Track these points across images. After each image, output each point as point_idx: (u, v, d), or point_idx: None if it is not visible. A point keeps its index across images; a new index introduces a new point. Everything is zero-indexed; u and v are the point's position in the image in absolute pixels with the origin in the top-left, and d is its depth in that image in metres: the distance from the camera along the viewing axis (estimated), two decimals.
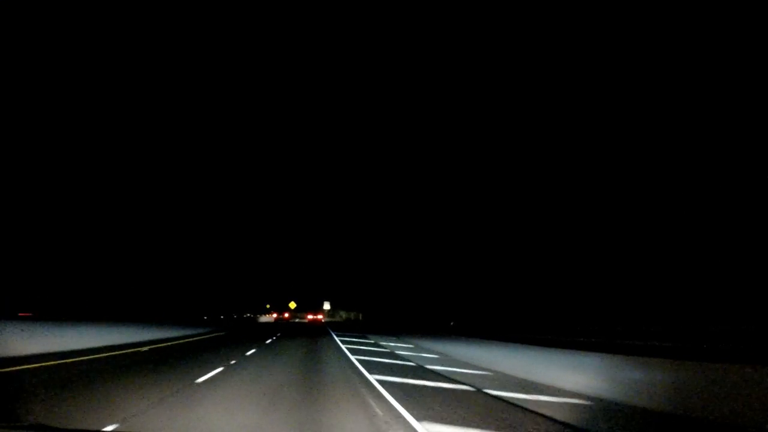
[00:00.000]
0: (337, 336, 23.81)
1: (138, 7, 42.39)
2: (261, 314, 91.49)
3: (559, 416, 6.76)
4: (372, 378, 9.89)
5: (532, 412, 7.07)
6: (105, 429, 5.36)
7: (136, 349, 14.67)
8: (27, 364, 10.00)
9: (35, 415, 5.83)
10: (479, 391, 8.91)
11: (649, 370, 7.63)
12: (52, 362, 10.61)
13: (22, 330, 12.95)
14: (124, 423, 5.61)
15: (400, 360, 14.18)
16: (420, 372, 11.46)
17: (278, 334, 25.14)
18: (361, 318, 68.49)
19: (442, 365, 13.09)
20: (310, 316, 67.73)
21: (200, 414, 6.28)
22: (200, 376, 9.28)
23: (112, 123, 41.71)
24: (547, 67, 24.18)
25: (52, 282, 33.56)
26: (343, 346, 18.06)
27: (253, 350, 16.27)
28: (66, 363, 10.76)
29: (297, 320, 71.67)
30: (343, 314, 78.44)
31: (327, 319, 78.33)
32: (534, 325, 21.93)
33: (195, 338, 20.60)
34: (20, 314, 22.06)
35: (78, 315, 23.00)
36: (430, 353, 16.38)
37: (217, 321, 43.79)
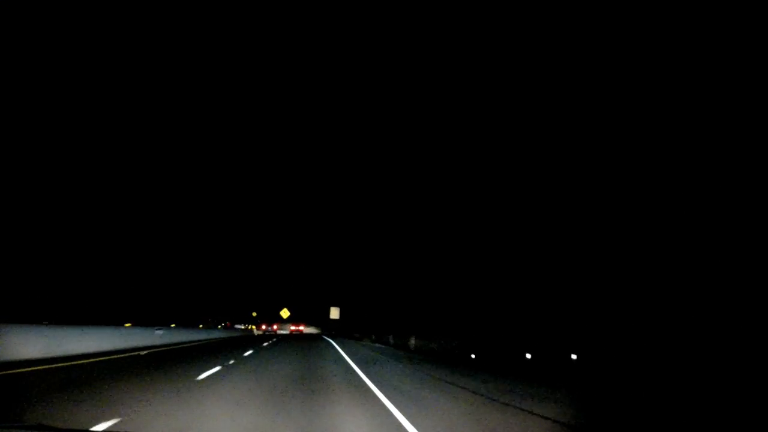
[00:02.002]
0: None
1: (138, 7, 44.21)
2: (254, 323, 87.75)
3: None
4: None
5: None
6: (105, 429, 5.57)
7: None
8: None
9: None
10: None
11: None
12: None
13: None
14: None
15: None
16: None
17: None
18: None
19: None
20: (292, 327, 73.42)
21: None
22: None
23: (111, 125, 43.76)
24: (547, 68, 25.21)
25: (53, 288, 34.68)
26: None
27: None
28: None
29: (281, 332, 74.17)
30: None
31: (322, 330, 73.07)
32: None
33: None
34: None
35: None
36: None
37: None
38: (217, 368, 12.56)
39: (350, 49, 61.84)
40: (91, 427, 5.57)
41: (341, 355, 20.21)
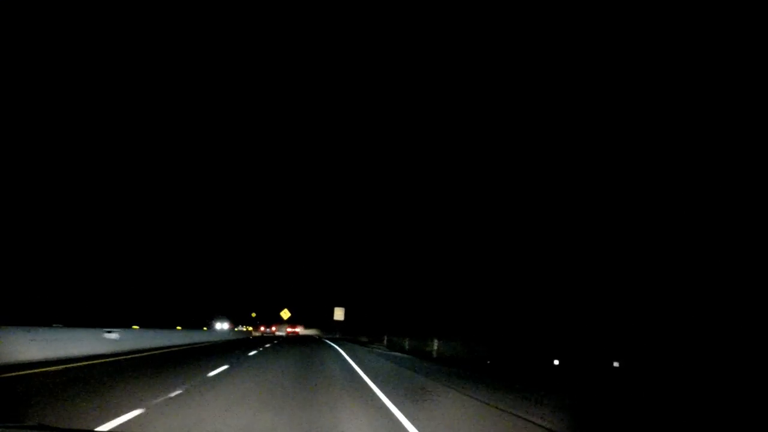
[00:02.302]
0: None
1: (138, 7, 44.26)
2: (254, 324, 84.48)
3: None
4: None
5: None
6: (105, 429, 5.42)
7: None
8: None
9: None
10: None
11: None
12: None
13: None
14: None
15: None
16: None
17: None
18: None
19: None
20: (288, 329, 71.11)
21: None
22: None
23: (110, 125, 42.98)
24: (547, 68, 25.31)
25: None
26: None
27: None
28: None
29: (279, 333, 72.49)
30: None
31: (332, 337, 67.22)
32: None
33: None
34: None
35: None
36: None
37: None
38: (138, 412, 6.59)
39: (350, 50, 62.49)
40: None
41: (358, 375, 14.23)
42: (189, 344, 25.02)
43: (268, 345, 29.10)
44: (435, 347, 30.25)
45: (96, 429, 5.37)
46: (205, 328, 42.11)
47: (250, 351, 21.16)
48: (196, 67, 67.73)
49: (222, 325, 60.87)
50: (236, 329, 71.65)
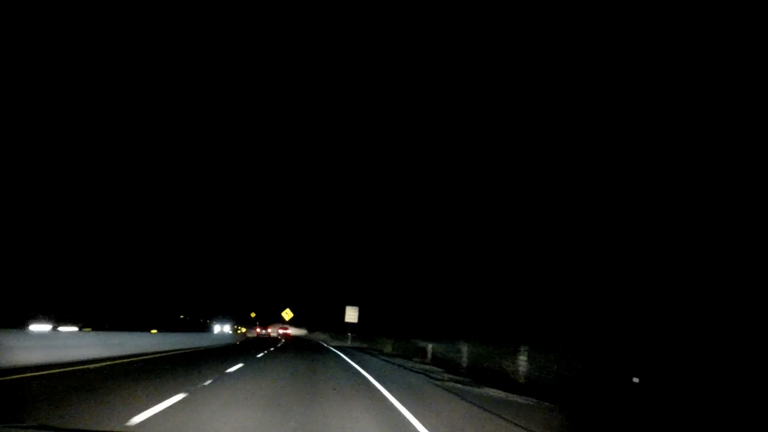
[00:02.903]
0: None
1: (138, 7, 43.91)
2: (253, 325, 79.30)
3: None
4: None
5: None
6: (105, 429, 5.50)
7: None
8: None
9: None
10: None
11: None
12: None
13: None
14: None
15: None
16: None
17: None
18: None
19: None
20: (281, 331, 71.34)
21: None
22: None
23: (110, 125, 42.06)
24: (547, 68, 24.74)
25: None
26: None
27: None
28: None
29: (274, 334, 72.53)
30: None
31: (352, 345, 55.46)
32: None
33: None
34: None
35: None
36: None
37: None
38: None
39: (350, 49, 62.98)
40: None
41: None
42: (98, 358, 13.36)
43: (239, 365, 17.33)
44: (521, 367, 18.34)
45: (96, 429, 5.34)
46: (154, 330, 31.39)
47: (174, 395, 9.23)
48: (196, 67, 68.36)
49: (223, 328, 54.41)
50: (240, 330, 69.59)
